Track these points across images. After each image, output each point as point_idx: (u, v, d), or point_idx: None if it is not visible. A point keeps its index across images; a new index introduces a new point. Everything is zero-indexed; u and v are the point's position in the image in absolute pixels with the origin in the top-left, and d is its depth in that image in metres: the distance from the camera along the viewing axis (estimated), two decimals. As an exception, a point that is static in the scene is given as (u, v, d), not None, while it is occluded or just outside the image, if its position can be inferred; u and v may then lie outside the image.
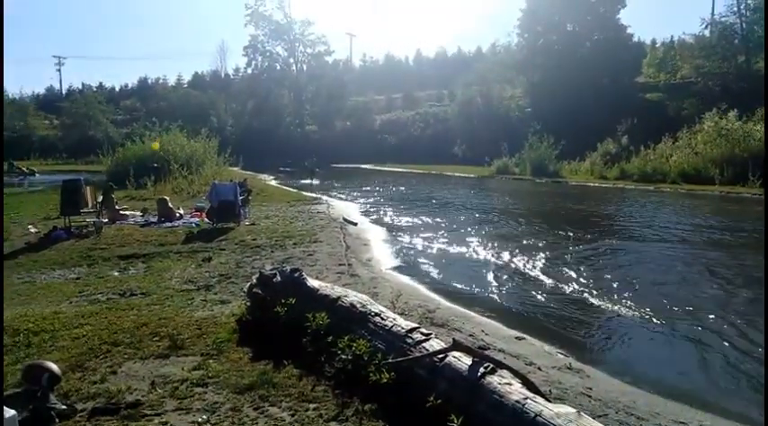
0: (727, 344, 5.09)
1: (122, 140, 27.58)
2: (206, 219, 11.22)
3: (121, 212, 12.10)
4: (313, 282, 4.92)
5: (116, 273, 7.11)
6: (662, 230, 11.65)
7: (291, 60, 62.74)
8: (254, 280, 5.11)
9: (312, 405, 3.38)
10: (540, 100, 40.05)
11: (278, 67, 62.67)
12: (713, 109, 24.65)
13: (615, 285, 7.12)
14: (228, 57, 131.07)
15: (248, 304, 4.93)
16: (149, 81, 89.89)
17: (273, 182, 25.73)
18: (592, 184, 23.93)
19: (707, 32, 39.67)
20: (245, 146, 37.07)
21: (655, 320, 5.81)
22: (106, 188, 12.47)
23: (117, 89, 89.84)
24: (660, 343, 5.22)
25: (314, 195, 18.11)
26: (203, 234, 10.05)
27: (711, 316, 5.85)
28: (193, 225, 11.10)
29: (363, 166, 39.00)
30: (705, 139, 23.34)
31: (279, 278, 4.90)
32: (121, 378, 3.78)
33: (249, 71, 64.39)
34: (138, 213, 12.55)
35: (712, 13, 40.81)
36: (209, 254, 8.10)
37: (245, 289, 5.21)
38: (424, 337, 3.70)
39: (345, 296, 4.53)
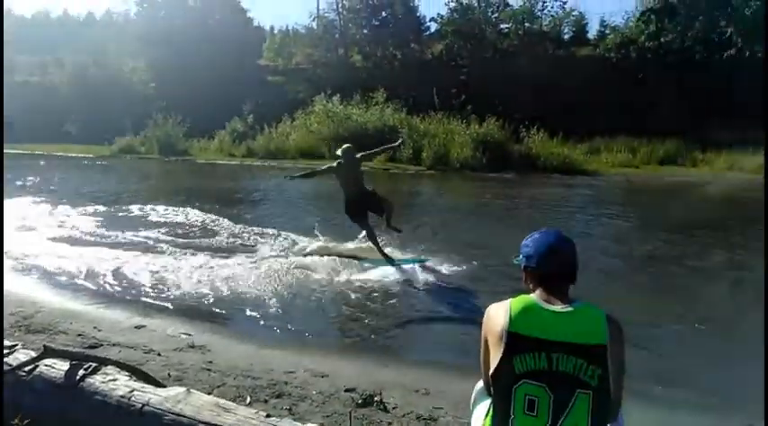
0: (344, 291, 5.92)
1: None
2: None
3: None
4: None
5: None
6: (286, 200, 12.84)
7: None
8: None
9: None
10: (167, 76, 38.36)
11: None
12: (321, 93, 28.13)
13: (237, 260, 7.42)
14: None
15: None
16: None
17: None
18: (221, 162, 24.55)
19: (314, 25, 44.86)
20: None
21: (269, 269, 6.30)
22: None
23: None
24: (280, 300, 5.68)
25: None
26: None
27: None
28: None
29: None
30: (317, 120, 26.52)
31: None
32: None
33: None
34: None
35: (318, 9, 46.16)
36: None
37: None
38: (8, 351, 3.08)
39: None
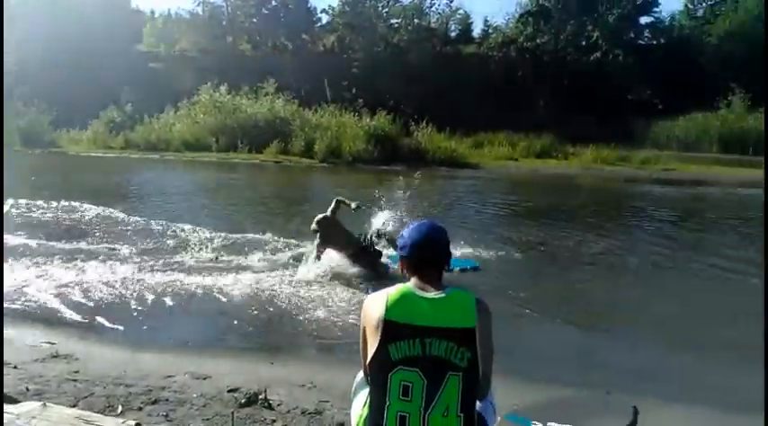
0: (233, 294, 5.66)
1: None
2: None
3: None
4: None
5: None
6: (164, 193, 12.14)
7: None
8: None
9: None
10: (30, 59, 34.57)
11: None
12: (208, 82, 26.80)
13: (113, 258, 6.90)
14: None
15: None
16: None
17: None
18: (95, 154, 22.65)
19: (200, 11, 42.64)
20: None
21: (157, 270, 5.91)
22: None
23: None
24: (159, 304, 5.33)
25: None
26: None
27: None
28: None
29: None
30: (203, 111, 25.23)
31: None
32: None
33: None
34: None
35: (202, -6, 43.87)
36: None
37: None
38: None
39: None
